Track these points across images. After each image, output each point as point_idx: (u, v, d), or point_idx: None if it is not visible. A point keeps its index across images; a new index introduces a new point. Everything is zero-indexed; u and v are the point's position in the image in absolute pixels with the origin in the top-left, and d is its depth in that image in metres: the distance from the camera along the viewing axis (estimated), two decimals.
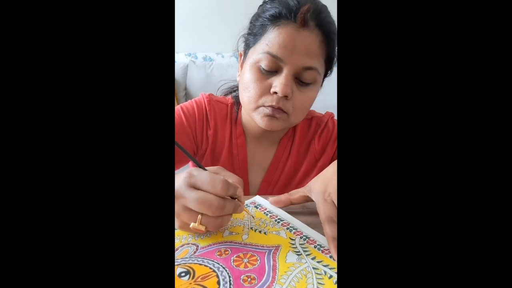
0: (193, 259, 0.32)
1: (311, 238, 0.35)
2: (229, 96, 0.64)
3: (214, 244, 0.34)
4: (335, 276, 0.29)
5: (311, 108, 0.63)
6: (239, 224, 0.38)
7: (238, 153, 0.60)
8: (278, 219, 0.40)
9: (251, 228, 0.37)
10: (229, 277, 0.29)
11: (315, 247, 0.34)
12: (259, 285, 0.28)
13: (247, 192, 0.62)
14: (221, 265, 0.31)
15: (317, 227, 0.37)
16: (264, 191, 0.62)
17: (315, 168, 0.63)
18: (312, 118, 0.65)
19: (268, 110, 0.49)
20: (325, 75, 0.56)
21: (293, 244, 0.34)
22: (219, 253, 0.33)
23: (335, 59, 0.54)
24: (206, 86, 2.16)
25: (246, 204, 0.43)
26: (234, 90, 0.66)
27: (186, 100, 2.27)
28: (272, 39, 0.47)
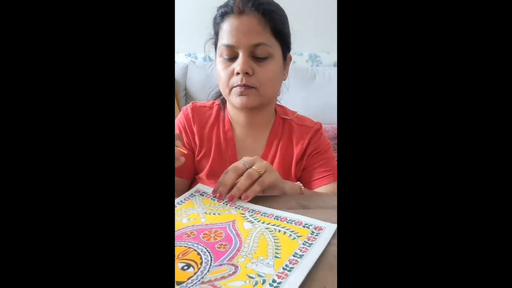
0: None
1: (256, 210, 0.44)
2: (218, 100, 0.72)
3: (178, 231, 0.38)
4: (283, 230, 0.38)
5: (307, 116, 0.72)
6: (194, 212, 0.43)
7: (227, 146, 0.66)
8: (225, 202, 0.46)
9: (205, 212, 0.43)
10: (205, 248, 0.34)
11: (261, 215, 0.42)
12: (231, 247, 0.34)
13: None
14: (194, 242, 0.35)
15: (256, 203, 0.46)
16: None
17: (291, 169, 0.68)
18: (302, 126, 0.70)
19: (237, 89, 0.58)
20: (284, 48, 0.62)
21: (244, 216, 0.42)
22: (186, 235, 0.37)
23: (288, 32, 0.62)
24: (206, 86, 2.14)
25: (192, 194, 0.49)
26: (222, 94, 0.72)
27: (186, 100, 2.28)
28: (223, 33, 0.58)
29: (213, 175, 0.65)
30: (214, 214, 0.43)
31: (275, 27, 0.58)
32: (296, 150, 0.67)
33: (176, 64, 2.18)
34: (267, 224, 0.40)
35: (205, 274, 0.30)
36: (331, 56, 2.28)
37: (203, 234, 0.37)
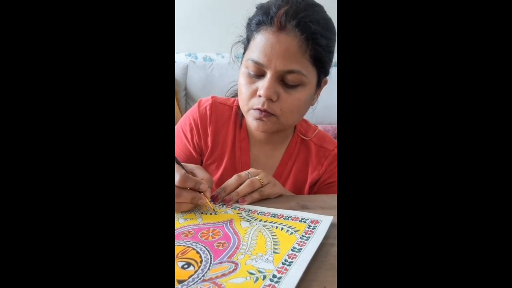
0: None
1: (252, 210, 0.44)
2: (236, 98, 0.65)
3: (175, 230, 0.38)
4: (280, 226, 0.39)
5: (313, 119, 0.65)
6: (190, 213, 0.44)
7: (241, 156, 0.61)
8: (221, 204, 0.47)
9: (201, 212, 0.43)
10: (204, 247, 0.34)
11: (258, 214, 0.43)
12: (230, 246, 0.35)
13: None
14: (192, 242, 0.35)
15: (255, 204, 0.47)
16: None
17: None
18: (320, 148, 0.64)
19: (256, 113, 0.51)
20: (321, 74, 0.55)
21: (241, 215, 0.43)
22: (184, 234, 0.37)
23: (331, 57, 0.54)
24: (206, 86, 2.16)
25: None
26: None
27: (186, 100, 2.28)
28: (254, 46, 0.50)
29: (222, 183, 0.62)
30: (210, 214, 0.43)
31: (316, 54, 0.49)
32: (312, 176, 0.62)
33: (176, 64, 2.18)
34: (264, 222, 0.41)
35: (206, 272, 0.30)
36: None
37: (201, 234, 0.37)
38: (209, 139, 0.60)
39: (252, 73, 0.50)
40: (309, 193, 0.64)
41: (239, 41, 0.57)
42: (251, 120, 0.53)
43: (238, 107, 0.63)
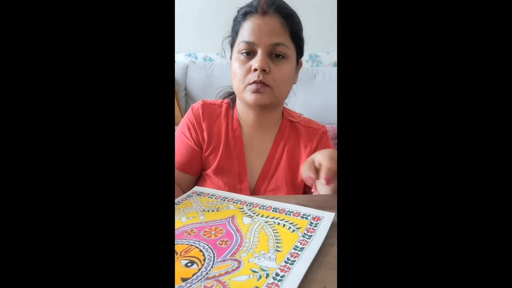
0: None
1: (254, 203, 0.45)
2: (227, 99, 0.74)
3: (178, 229, 0.38)
4: (282, 222, 0.39)
5: (313, 119, 0.76)
6: (192, 210, 0.43)
7: (235, 144, 0.68)
8: (223, 198, 0.47)
9: (203, 210, 0.44)
10: (207, 245, 0.35)
11: (260, 208, 0.44)
12: (233, 243, 0.35)
13: (246, 180, 0.67)
14: (195, 240, 0.36)
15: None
16: (263, 177, 0.68)
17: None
18: (309, 128, 0.72)
19: (253, 87, 0.59)
20: (298, 53, 0.66)
21: (243, 211, 0.43)
22: (187, 233, 0.37)
23: (302, 38, 0.66)
24: (206, 86, 2.16)
25: (189, 195, 0.50)
26: (231, 94, 0.75)
27: (186, 100, 2.27)
28: (244, 31, 0.60)
29: (220, 172, 0.66)
30: (212, 211, 0.43)
31: (293, 31, 0.61)
32: (305, 153, 0.69)
33: (176, 64, 2.18)
34: (266, 217, 0.41)
35: (209, 270, 0.30)
36: (331, 56, 2.28)
37: (203, 232, 0.38)
38: (204, 134, 0.68)
39: (244, 53, 0.60)
40: None
41: (228, 37, 0.67)
42: (249, 96, 0.60)
43: (228, 104, 0.72)
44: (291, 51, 0.62)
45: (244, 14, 0.62)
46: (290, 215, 0.41)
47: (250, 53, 0.60)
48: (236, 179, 0.65)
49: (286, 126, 0.71)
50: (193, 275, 0.29)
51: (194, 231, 0.38)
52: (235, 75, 0.62)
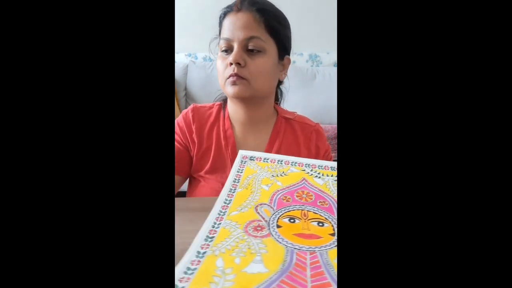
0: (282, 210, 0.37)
1: (311, 164, 0.46)
2: (218, 101, 0.75)
3: (272, 198, 0.39)
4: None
5: (308, 116, 0.76)
6: (263, 177, 0.43)
7: (227, 144, 0.68)
8: (278, 161, 0.47)
9: (273, 175, 0.44)
10: (314, 207, 0.36)
11: (319, 168, 0.45)
12: (330, 203, 0.37)
13: None
14: (301, 205, 0.37)
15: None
16: None
17: None
18: (304, 124, 0.73)
19: (230, 79, 0.62)
20: (281, 49, 0.66)
21: (308, 173, 0.44)
22: (286, 200, 0.38)
23: (288, 34, 0.67)
24: (206, 86, 2.16)
25: (241, 160, 0.48)
26: (226, 98, 0.76)
27: (186, 100, 2.27)
28: (223, 29, 0.64)
29: (214, 172, 0.66)
30: (281, 175, 0.44)
31: (270, 25, 0.62)
32: (304, 151, 0.70)
33: (176, 64, 2.18)
34: (330, 176, 0.43)
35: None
36: (331, 56, 2.29)
37: (297, 197, 0.38)
38: (194, 136, 0.69)
39: (224, 49, 0.63)
40: None
41: (215, 38, 0.70)
42: (228, 89, 0.63)
43: (219, 105, 0.73)
44: (269, 45, 0.63)
45: (224, 13, 0.65)
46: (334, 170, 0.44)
47: (228, 50, 0.62)
48: None
49: (282, 123, 0.72)
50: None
51: (287, 197, 0.38)
52: (218, 71, 0.65)
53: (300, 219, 0.35)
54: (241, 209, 0.37)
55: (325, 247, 0.30)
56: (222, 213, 0.36)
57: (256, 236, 0.32)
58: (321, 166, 0.46)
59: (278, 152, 0.68)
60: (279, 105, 0.78)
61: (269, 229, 0.33)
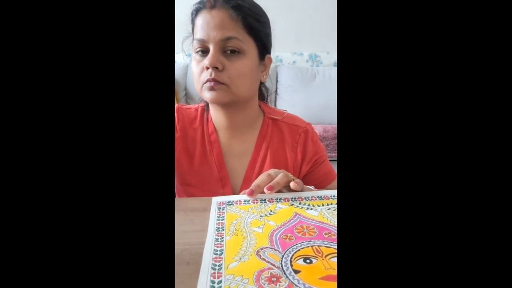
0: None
1: (296, 197, 0.45)
2: (203, 103, 0.71)
3: (272, 237, 0.35)
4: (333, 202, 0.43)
5: (308, 116, 0.70)
6: (252, 219, 0.40)
7: (212, 149, 0.65)
8: (261, 200, 0.45)
9: (261, 216, 0.40)
10: (323, 241, 0.34)
11: (306, 199, 0.44)
12: (335, 232, 0.35)
13: (229, 184, 0.65)
14: (309, 241, 0.34)
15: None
16: (248, 181, 0.65)
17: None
18: (292, 125, 0.69)
19: (208, 84, 0.56)
20: (261, 48, 0.60)
21: (297, 206, 0.43)
22: (288, 238, 0.35)
23: (267, 31, 0.62)
24: None
25: (218, 208, 0.44)
26: None
27: (186, 100, 2.27)
28: (196, 28, 0.58)
29: (200, 178, 0.64)
30: (270, 214, 0.40)
31: (248, 23, 0.56)
32: (290, 155, 0.66)
33: (176, 64, 2.18)
34: (322, 206, 0.42)
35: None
36: (331, 56, 2.29)
37: (298, 232, 0.36)
38: (178, 136, 0.65)
39: (198, 50, 0.57)
40: (304, 177, 0.68)
41: (188, 36, 0.64)
42: (206, 94, 0.57)
43: (203, 108, 0.69)
44: (248, 46, 0.57)
45: (196, 10, 0.59)
46: (335, 198, 0.43)
47: (203, 51, 0.57)
48: (217, 184, 0.64)
49: (269, 125, 0.67)
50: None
51: (288, 236, 0.35)
52: (193, 74, 0.60)
53: (317, 257, 0.30)
54: (240, 259, 0.31)
55: None
56: (217, 267, 0.29)
57: None
58: (308, 197, 0.45)
59: (265, 157, 0.65)
60: (267, 102, 0.73)
61: (287, 277, 0.27)
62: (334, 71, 2.12)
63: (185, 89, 2.23)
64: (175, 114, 0.67)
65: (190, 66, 0.66)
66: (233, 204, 0.44)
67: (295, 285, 0.26)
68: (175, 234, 0.37)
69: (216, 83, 0.55)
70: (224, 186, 0.63)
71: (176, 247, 0.35)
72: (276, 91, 2.17)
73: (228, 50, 0.55)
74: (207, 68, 0.55)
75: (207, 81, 0.56)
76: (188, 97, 2.24)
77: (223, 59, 0.55)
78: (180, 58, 2.32)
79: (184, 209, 0.45)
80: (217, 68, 0.55)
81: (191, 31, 0.62)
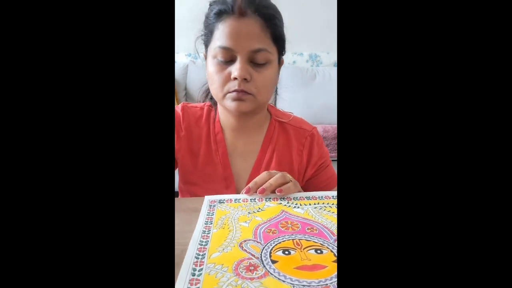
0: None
1: (286, 197, 0.46)
2: (207, 101, 0.70)
3: (255, 231, 0.36)
4: (326, 206, 0.43)
5: (308, 116, 0.70)
6: (240, 215, 0.41)
7: (217, 148, 0.64)
8: (251, 199, 0.46)
9: (249, 212, 0.41)
10: (305, 235, 0.35)
11: (295, 199, 0.45)
12: (319, 228, 0.37)
13: (233, 184, 0.64)
14: (291, 235, 0.35)
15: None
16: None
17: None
18: (299, 129, 0.69)
19: (234, 94, 0.55)
20: (280, 54, 0.61)
21: (284, 205, 0.43)
22: (272, 232, 0.36)
23: (284, 37, 0.60)
24: (206, 86, 2.15)
25: (209, 205, 0.45)
26: (209, 92, 0.70)
27: (186, 100, 2.27)
28: (220, 34, 0.54)
29: (204, 177, 0.63)
30: (258, 211, 0.41)
31: (276, 33, 0.55)
32: (296, 158, 0.66)
33: (176, 64, 2.18)
34: (309, 205, 0.43)
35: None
36: (331, 56, 2.29)
37: (282, 227, 0.37)
38: (183, 134, 0.65)
39: (222, 59, 0.54)
40: (308, 180, 0.68)
41: (201, 36, 0.61)
42: (229, 103, 0.56)
43: (209, 106, 0.68)
44: (274, 55, 0.56)
45: (219, 13, 0.55)
46: (323, 199, 0.44)
47: (228, 59, 0.54)
48: (221, 184, 0.63)
49: (275, 128, 0.67)
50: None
51: (272, 230, 0.36)
52: (213, 81, 0.57)
53: (295, 249, 0.32)
54: (223, 249, 0.32)
55: (336, 277, 0.27)
56: (200, 256, 0.31)
57: (252, 278, 0.27)
58: (296, 197, 0.46)
59: (270, 159, 0.65)
60: (274, 102, 0.74)
61: (264, 266, 0.29)
62: (334, 71, 2.12)
63: (185, 89, 2.23)
64: (181, 113, 0.66)
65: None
66: (223, 202, 0.45)
67: (270, 273, 0.28)
68: (175, 234, 0.37)
69: (243, 94, 0.54)
70: (228, 186, 0.63)
71: (176, 247, 0.34)
72: (276, 91, 2.16)
73: (256, 62, 0.54)
74: (235, 78, 0.53)
75: (233, 91, 0.54)
76: (188, 97, 2.23)
77: (251, 70, 0.54)
78: (180, 58, 2.32)
79: (184, 209, 0.45)
80: (245, 79, 0.53)
81: (203, 30, 0.59)
